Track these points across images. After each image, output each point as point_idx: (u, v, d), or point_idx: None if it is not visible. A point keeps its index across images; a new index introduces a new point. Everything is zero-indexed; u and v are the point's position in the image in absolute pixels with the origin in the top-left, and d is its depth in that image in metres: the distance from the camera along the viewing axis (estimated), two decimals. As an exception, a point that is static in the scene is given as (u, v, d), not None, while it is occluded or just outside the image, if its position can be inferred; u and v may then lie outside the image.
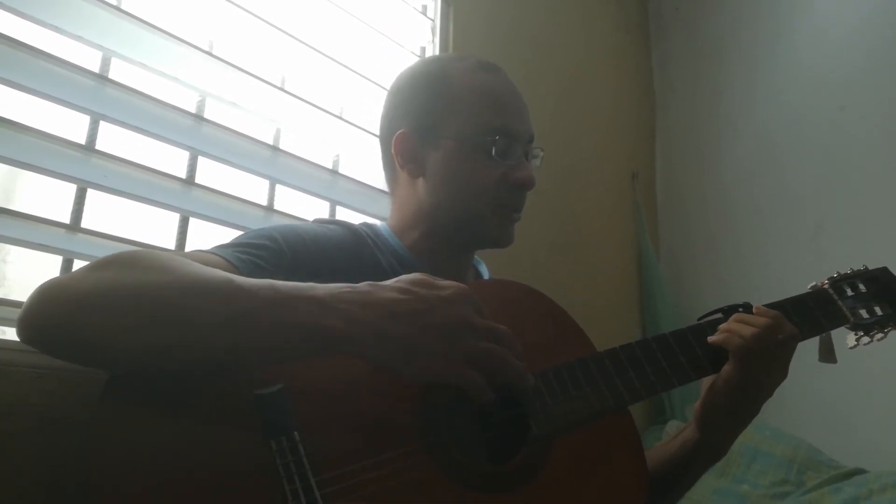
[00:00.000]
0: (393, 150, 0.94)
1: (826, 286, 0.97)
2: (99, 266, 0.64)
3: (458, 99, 0.91)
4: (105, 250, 0.96)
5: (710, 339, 0.84)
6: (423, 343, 0.63)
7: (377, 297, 0.64)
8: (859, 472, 1.58)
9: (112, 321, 0.60)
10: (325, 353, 0.63)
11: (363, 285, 0.66)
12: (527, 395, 0.75)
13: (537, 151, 0.97)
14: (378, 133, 1.00)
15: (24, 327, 0.62)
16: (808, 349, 0.94)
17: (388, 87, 1.00)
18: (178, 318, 0.60)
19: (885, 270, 1.01)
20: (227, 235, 0.84)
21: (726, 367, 0.83)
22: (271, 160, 1.26)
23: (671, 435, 1.80)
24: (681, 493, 0.94)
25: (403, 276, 0.68)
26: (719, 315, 0.89)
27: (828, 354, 0.94)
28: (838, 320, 0.94)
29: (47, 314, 0.61)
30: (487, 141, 0.89)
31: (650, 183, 2.47)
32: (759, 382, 0.83)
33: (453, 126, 0.90)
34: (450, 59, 0.99)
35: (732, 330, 0.83)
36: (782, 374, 0.85)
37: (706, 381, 0.87)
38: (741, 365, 0.82)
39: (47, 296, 0.62)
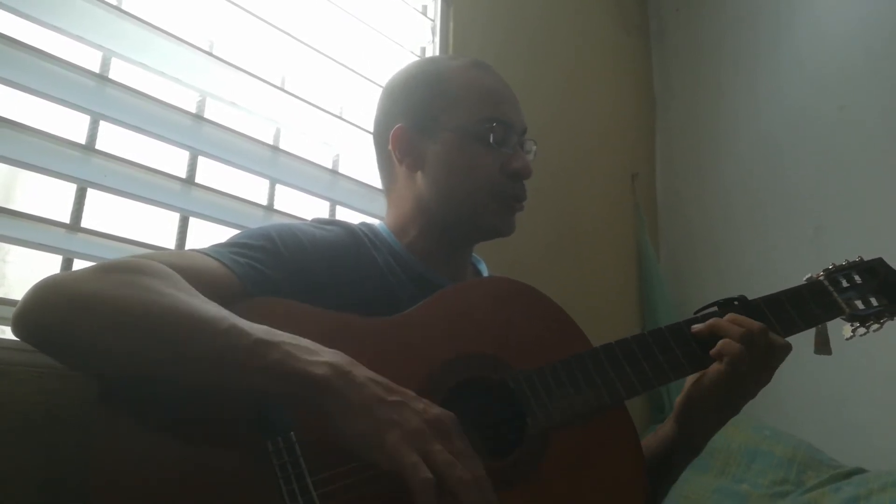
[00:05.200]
0: (391, 145, 0.94)
1: (821, 278, 0.97)
2: (100, 270, 0.65)
3: (454, 94, 0.93)
4: (105, 250, 0.97)
5: (712, 351, 0.83)
6: (395, 416, 0.59)
7: (365, 369, 0.63)
8: (859, 471, 1.57)
9: (102, 330, 0.60)
10: (299, 398, 0.61)
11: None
12: (524, 393, 0.75)
13: (530, 145, 0.99)
14: (373, 133, 1.01)
15: (19, 323, 0.62)
16: (805, 347, 0.94)
17: (382, 89, 1.01)
18: (168, 341, 0.61)
19: (880, 261, 1.00)
20: (227, 235, 0.84)
21: (715, 367, 0.83)
22: (271, 160, 1.26)
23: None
24: (666, 486, 0.94)
25: None
26: (715, 308, 0.89)
27: (823, 346, 0.94)
28: (834, 312, 0.93)
29: (41, 312, 0.61)
30: (485, 129, 0.91)
31: (650, 184, 2.47)
32: (746, 385, 0.84)
33: (451, 119, 0.92)
34: (442, 59, 1.03)
35: (724, 329, 0.83)
36: (767, 379, 0.85)
37: (690, 377, 0.87)
38: (732, 368, 0.81)
39: (42, 294, 0.62)
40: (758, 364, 0.82)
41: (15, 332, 0.63)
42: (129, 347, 0.61)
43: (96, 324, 0.60)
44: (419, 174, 0.94)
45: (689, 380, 0.87)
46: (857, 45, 2.08)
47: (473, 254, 1.04)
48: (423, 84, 0.96)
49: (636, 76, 2.53)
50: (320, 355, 0.62)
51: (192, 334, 0.61)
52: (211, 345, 0.61)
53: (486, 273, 1.05)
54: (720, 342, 0.83)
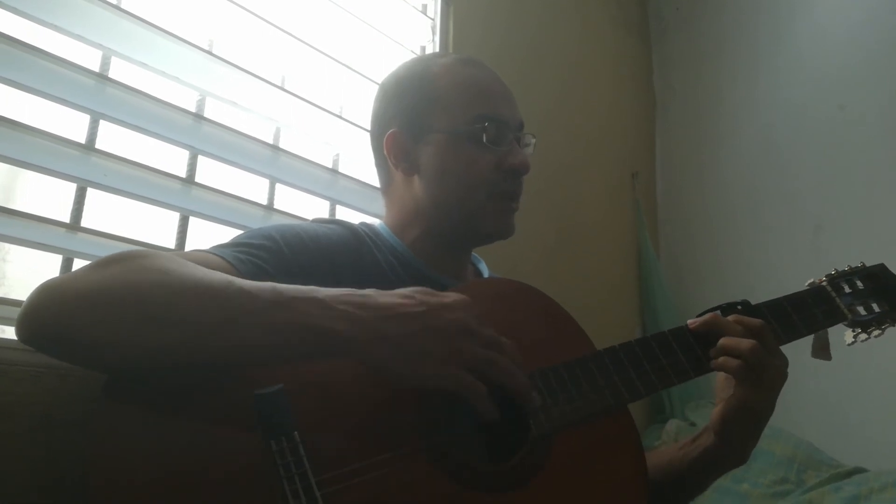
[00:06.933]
0: (385, 151, 0.94)
1: (824, 283, 0.96)
2: (98, 266, 0.64)
3: (444, 94, 0.92)
4: (105, 249, 0.97)
5: (712, 364, 0.82)
6: (420, 344, 0.63)
7: (378, 300, 0.65)
8: (859, 470, 1.58)
9: (110, 321, 0.60)
10: (323, 355, 0.63)
11: (367, 290, 0.66)
12: (530, 406, 0.74)
13: (529, 138, 0.98)
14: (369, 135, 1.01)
15: (22, 327, 0.62)
16: (806, 347, 0.94)
17: (376, 91, 1.00)
18: (178, 319, 0.60)
19: (882, 267, 1.00)
20: (228, 234, 0.84)
21: (737, 391, 0.81)
22: (271, 159, 1.26)
23: (671, 433, 1.82)
24: (699, 494, 0.93)
25: (407, 288, 0.68)
26: (717, 313, 0.88)
27: (821, 351, 0.94)
28: (836, 317, 0.93)
29: (46, 314, 0.61)
30: (477, 129, 0.90)
31: (650, 183, 2.47)
32: (771, 384, 0.82)
33: (442, 120, 0.91)
34: (431, 57, 1.01)
35: (726, 350, 0.81)
36: (783, 362, 0.83)
37: (718, 388, 0.86)
38: (748, 383, 0.80)
39: (46, 296, 0.62)
40: (767, 364, 0.81)
41: (21, 335, 0.62)
42: (139, 334, 0.60)
43: (104, 316, 0.60)
44: (416, 178, 0.93)
45: (720, 399, 0.85)
46: (857, 45, 2.08)
47: (473, 253, 1.04)
48: (411, 87, 0.94)
49: (636, 75, 2.53)
50: (333, 307, 0.63)
51: (201, 307, 0.61)
52: (221, 315, 0.60)
53: (486, 272, 1.04)
54: (722, 340, 0.82)
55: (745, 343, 0.80)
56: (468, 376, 0.64)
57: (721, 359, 0.82)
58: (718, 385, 0.87)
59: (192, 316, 0.60)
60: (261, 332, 0.61)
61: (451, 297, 0.67)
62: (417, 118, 0.92)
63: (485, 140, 0.89)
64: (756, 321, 0.83)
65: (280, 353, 0.63)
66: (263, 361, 0.64)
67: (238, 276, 0.72)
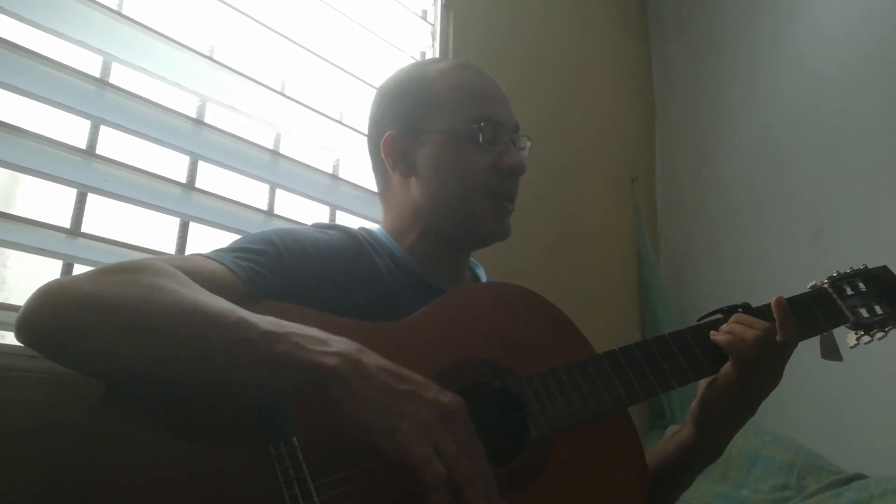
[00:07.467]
0: (382, 153, 0.95)
1: (826, 286, 0.96)
2: (101, 274, 0.65)
3: (441, 96, 0.93)
4: (106, 255, 0.97)
5: (714, 337, 0.84)
6: (403, 403, 0.60)
7: (375, 356, 0.63)
8: (859, 477, 1.58)
9: (108, 332, 0.60)
10: (308, 388, 0.61)
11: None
12: (527, 398, 0.75)
13: (524, 141, 0.99)
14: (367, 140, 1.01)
15: (21, 329, 0.62)
16: (808, 352, 0.94)
17: (373, 96, 1.01)
18: (175, 339, 0.60)
19: (885, 269, 1.00)
20: (227, 240, 0.84)
21: (726, 369, 0.83)
22: (271, 165, 1.26)
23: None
24: (679, 493, 0.94)
25: None
26: (719, 316, 0.89)
27: (831, 352, 0.93)
28: (838, 319, 0.93)
29: (44, 316, 0.61)
30: (474, 129, 0.91)
31: (650, 187, 2.47)
32: (759, 386, 0.84)
33: (439, 122, 0.92)
34: (428, 62, 1.03)
35: (735, 332, 0.83)
36: (780, 376, 0.85)
37: (703, 382, 0.87)
38: (741, 369, 0.82)
39: (47, 299, 0.62)
40: (767, 362, 0.82)
41: (19, 337, 0.63)
42: (136, 347, 0.61)
43: (102, 326, 0.60)
44: (413, 180, 0.94)
45: (703, 384, 0.87)
46: (857, 45, 2.08)
47: (471, 258, 1.04)
48: (409, 90, 0.96)
49: (636, 79, 2.53)
50: (329, 345, 0.62)
51: (198, 330, 0.61)
52: (218, 339, 0.60)
53: (484, 278, 1.04)
54: (725, 340, 0.83)
55: (751, 332, 0.82)
56: (437, 461, 0.58)
57: (725, 338, 0.83)
58: (700, 385, 0.88)
59: (188, 338, 0.61)
60: (249, 363, 0.61)
61: (450, 395, 0.64)
62: (415, 121, 0.93)
63: (481, 140, 0.90)
64: (762, 324, 0.84)
65: (264, 385, 0.62)
66: (254, 387, 0.63)
67: (237, 281, 0.73)
